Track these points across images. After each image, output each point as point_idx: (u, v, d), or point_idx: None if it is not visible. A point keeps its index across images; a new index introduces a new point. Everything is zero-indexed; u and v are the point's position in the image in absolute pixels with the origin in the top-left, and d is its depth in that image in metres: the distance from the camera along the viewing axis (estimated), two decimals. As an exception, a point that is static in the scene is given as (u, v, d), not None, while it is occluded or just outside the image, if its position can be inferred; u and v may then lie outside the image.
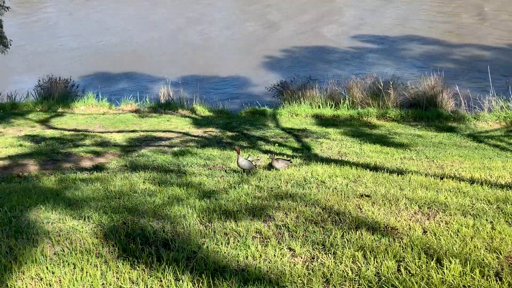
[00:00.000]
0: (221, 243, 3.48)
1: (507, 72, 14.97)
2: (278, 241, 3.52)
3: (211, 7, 33.53)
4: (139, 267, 3.14)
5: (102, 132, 10.88)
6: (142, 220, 4.05)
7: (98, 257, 3.29)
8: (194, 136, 10.49)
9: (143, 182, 5.67)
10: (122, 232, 3.74)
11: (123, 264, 3.17)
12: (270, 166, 6.26)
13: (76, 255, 3.32)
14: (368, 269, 3.04)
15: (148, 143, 9.75)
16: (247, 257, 3.27)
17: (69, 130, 11.08)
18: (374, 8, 30.48)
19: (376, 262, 3.12)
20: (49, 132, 10.81)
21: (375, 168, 6.20)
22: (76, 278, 2.98)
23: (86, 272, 3.05)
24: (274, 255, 3.29)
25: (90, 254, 3.35)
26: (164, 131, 10.96)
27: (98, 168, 7.49)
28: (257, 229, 3.79)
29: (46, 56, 22.45)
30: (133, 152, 8.85)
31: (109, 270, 3.08)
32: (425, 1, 31.60)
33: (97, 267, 3.13)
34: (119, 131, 10.98)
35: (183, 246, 3.44)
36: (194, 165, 7.16)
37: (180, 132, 10.85)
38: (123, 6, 34.97)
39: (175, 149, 8.81)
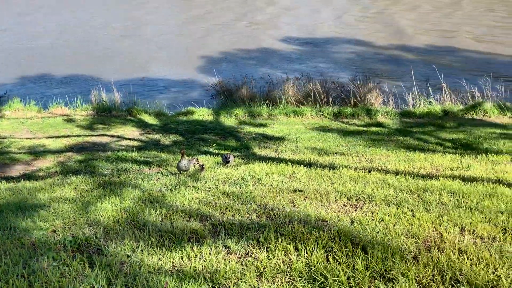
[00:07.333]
0: (156, 246, 3.47)
1: (428, 71, 16.03)
2: (214, 240, 3.58)
3: (152, 12, 32.81)
4: (69, 274, 3.06)
5: (30, 138, 10.32)
6: (74, 227, 3.94)
7: (25, 268, 3.16)
8: (130, 139, 10.25)
9: (74, 188, 5.48)
10: (51, 240, 3.62)
11: (52, 273, 3.07)
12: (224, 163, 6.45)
13: (1, 267, 3.16)
14: (299, 260, 3.18)
15: (81, 148, 9.40)
16: (182, 258, 3.29)
17: (-8, 137, 10.39)
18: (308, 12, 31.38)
19: (307, 253, 3.27)
20: (-31, 140, 10.07)
21: (309, 164, 6.43)
22: (1, 291, 2.85)
23: (12, 284, 2.92)
24: (210, 253, 3.34)
25: (16, 265, 3.20)
26: (97, 135, 10.61)
27: (26, 176, 7.12)
28: (193, 229, 3.81)
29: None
30: (64, 159, 8.49)
31: (38, 281, 2.97)
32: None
33: (24, 278, 3.01)
34: (48, 137, 10.48)
35: (116, 251, 3.40)
36: (130, 169, 7.01)
37: (114, 136, 10.56)
38: (61, 9, 33.27)
39: (110, 153, 8.57)
